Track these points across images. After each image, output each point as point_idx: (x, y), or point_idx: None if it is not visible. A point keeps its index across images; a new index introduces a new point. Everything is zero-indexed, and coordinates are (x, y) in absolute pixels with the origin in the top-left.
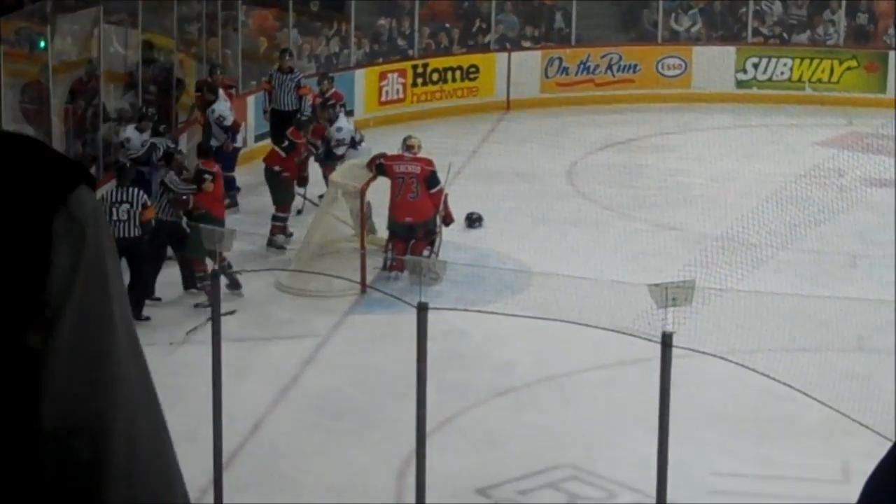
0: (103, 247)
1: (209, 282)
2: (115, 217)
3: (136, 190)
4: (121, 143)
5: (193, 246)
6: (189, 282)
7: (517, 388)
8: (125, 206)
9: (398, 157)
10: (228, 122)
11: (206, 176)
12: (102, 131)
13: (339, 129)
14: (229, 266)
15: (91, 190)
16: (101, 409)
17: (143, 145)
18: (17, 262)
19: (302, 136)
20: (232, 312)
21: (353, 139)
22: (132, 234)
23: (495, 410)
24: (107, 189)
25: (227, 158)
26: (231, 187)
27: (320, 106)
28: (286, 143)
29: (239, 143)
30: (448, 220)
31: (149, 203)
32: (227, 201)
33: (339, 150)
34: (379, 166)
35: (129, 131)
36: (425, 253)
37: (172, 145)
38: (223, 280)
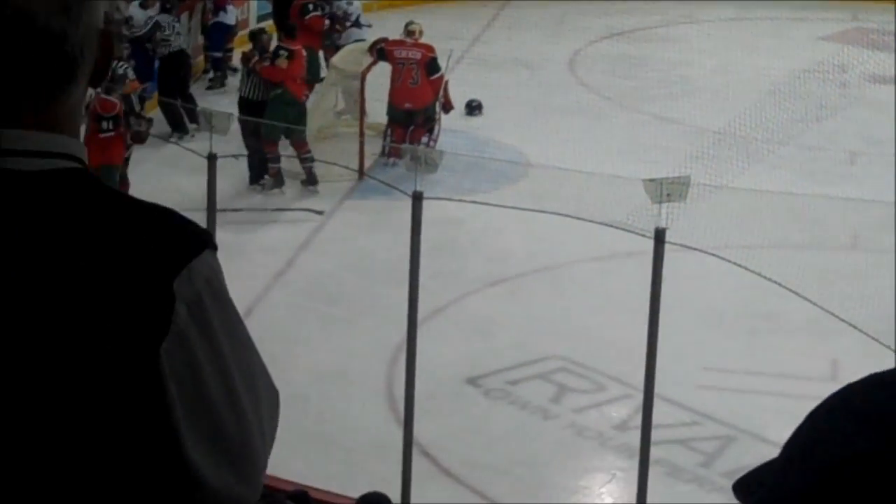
0: (225, 307)
1: (278, 164)
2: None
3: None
4: (125, 20)
5: (267, 127)
6: (257, 174)
7: (510, 278)
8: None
9: (399, 43)
10: None
11: (282, 52)
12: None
13: (350, 2)
14: (312, 160)
15: (213, 255)
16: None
17: (147, 23)
18: (139, 321)
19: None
20: (320, 212)
21: (358, 19)
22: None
23: (488, 300)
24: None
25: (211, 36)
26: (218, 67)
27: None
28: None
29: (231, 21)
30: (448, 107)
31: (131, 77)
32: (211, 81)
33: (346, 23)
34: (380, 51)
35: (133, 8)
36: (424, 140)
37: (177, 22)
38: (298, 174)
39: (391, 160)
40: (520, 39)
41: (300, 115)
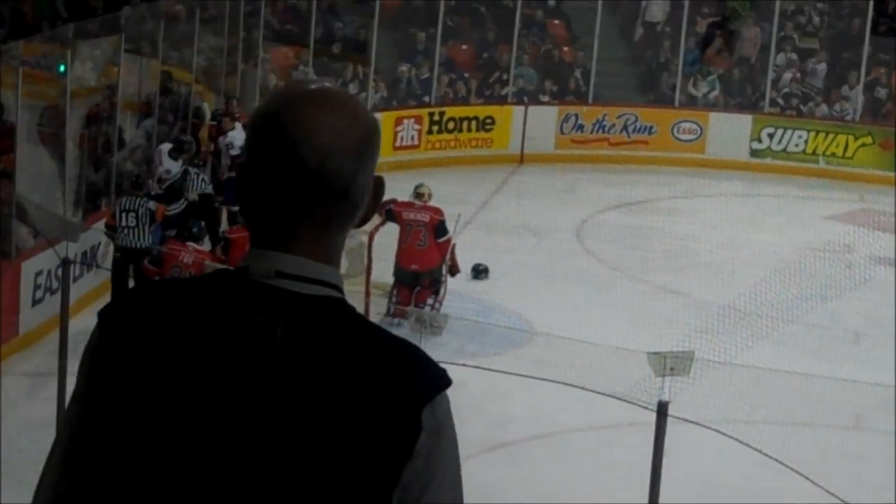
0: (453, 440)
1: None
2: (123, 223)
3: (142, 199)
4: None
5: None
6: None
7: (511, 444)
8: (132, 215)
9: (408, 205)
10: (237, 151)
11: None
12: (117, 158)
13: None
14: None
15: (446, 395)
16: None
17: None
18: (390, 443)
19: None
20: None
21: None
22: (138, 244)
23: (488, 464)
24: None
25: (228, 191)
26: (235, 221)
27: None
28: None
29: None
30: (454, 269)
31: (153, 207)
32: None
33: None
34: (388, 212)
35: (166, 160)
36: (429, 301)
37: (204, 177)
38: None
39: (396, 320)
40: (528, 206)
41: None
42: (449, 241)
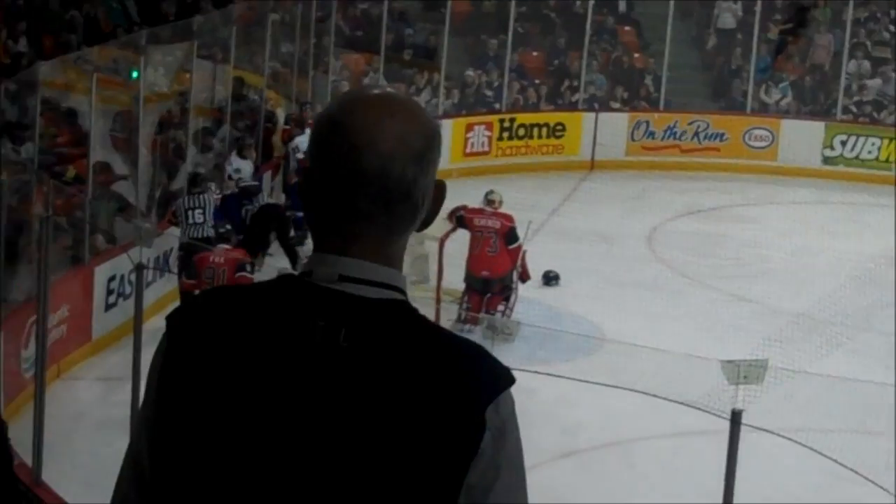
0: (517, 439)
1: None
2: (190, 220)
3: (205, 196)
4: (228, 175)
5: None
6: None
7: (582, 451)
8: (199, 211)
9: (479, 211)
10: (301, 154)
11: None
12: (188, 163)
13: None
14: None
15: (511, 394)
16: None
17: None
18: (456, 440)
19: None
20: None
21: None
22: (205, 234)
23: (559, 472)
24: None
25: (294, 195)
26: (299, 225)
27: None
28: None
29: None
30: (525, 276)
31: (215, 199)
32: (293, 238)
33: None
34: (459, 218)
35: (234, 158)
36: (500, 308)
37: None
38: None
39: (467, 327)
40: (598, 213)
41: None
42: (519, 247)
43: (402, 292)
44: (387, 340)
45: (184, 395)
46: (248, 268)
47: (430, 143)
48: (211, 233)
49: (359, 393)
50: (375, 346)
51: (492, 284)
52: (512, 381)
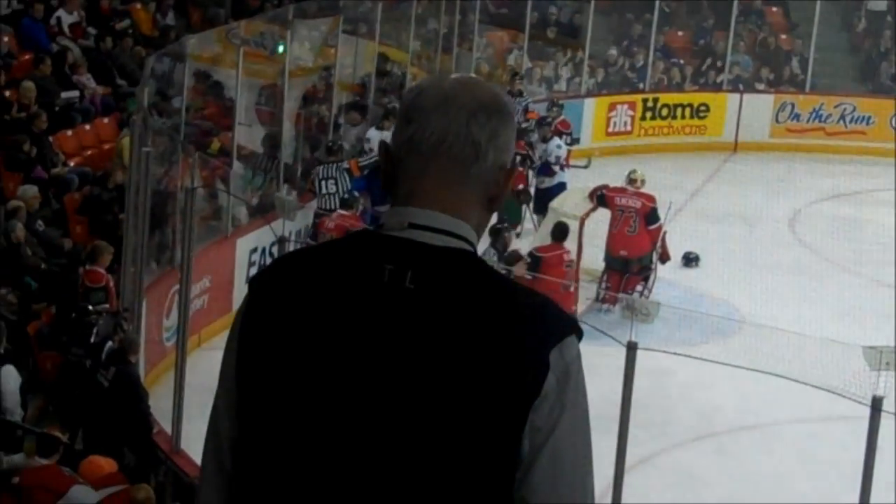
0: (581, 384)
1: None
2: (324, 191)
3: (339, 166)
4: (361, 146)
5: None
6: None
7: (719, 433)
8: (331, 182)
9: (620, 191)
10: None
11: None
12: (330, 137)
13: (559, 146)
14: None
15: (577, 341)
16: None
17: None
18: (519, 381)
19: (525, 147)
20: None
21: (561, 161)
22: (334, 206)
23: (694, 454)
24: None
25: None
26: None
27: (538, 123)
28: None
29: None
30: (665, 257)
31: (347, 166)
32: None
33: (557, 168)
34: (600, 197)
35: (371, 131)
36: (639, 288)
37: None
38: None
39: (605, 306)
40: (741, 194)
41: None
42: (660, 228)
43: (471, 244)
44: (451, 284)
45: (263, 343)
46: None
47: (501, 116)
48: (340, 204)
49: (425, 333)
50: (440, 288)
51: (630, 264)
52: (578, 330)
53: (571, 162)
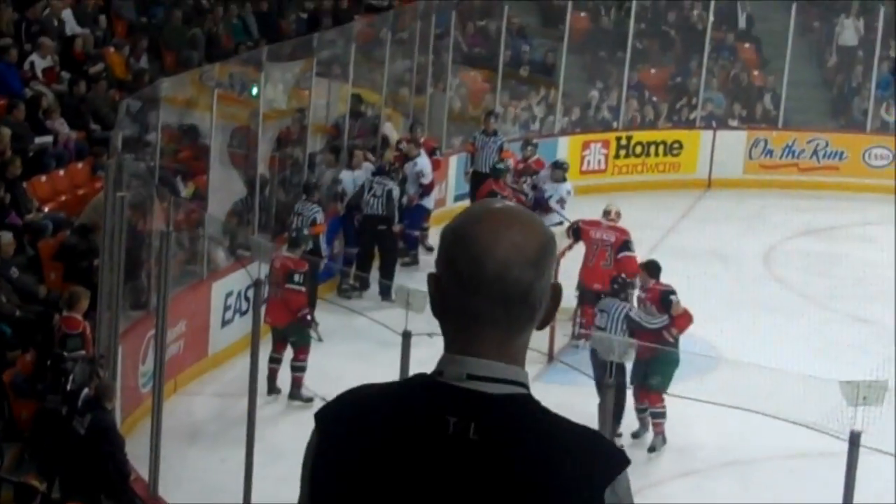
0: None
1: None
2: (294, 225)
3: (313, 206)
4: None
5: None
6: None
7: (699, 471)
8: (300, 218)
9: (595, 224)
10: (427, 179)
11: (672, 297)
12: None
13: (569, 192)
14: None
15: (626, 474)
16: None
17: (355, 183)
18: None
19: (505, 187)
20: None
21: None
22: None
23: (676, 491)
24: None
25: (412, 216)
26: (413, 246)
27: (492, 169)
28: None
29: (430, 205)
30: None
31: (318, 221)
32: (407, 259)
33: (555, 207)
34: (576, 230)
35: (344, 173)
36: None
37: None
38: None
39: (581, 341)
40: (715, 231)
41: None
42: (629, 257)
43: (526, 386)
44: (511, 433)
45: (334, 487)
46: (298, 277)
47: (545, 250)
48: (309, 243)
49: (490, 482)
50: (502, 438)
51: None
52: (627, 462)
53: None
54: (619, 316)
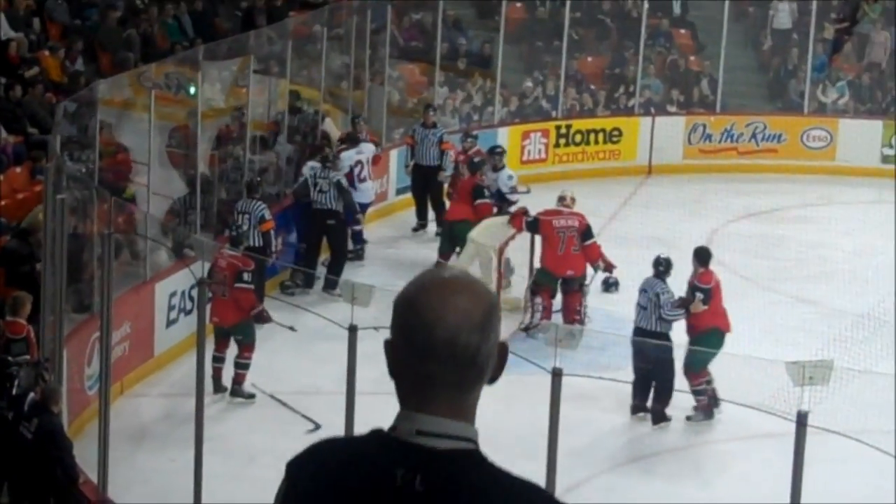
0: None
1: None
2: (238, 223)
3: (257, 203)
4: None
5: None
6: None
7: (646, 457)
8: (245, 217)
9: (556, 213)
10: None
11: (698, 294)
12: (245, 178)
13: (511, 177)
14: None
15: None
16: None
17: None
18: None
19: (486, 180)
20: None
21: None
22: (255, 243)
23: (623, 477)
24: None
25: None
26: (358, 241)
27: (469, 164)
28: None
29: (367, 199)
30: (610, 267)
31: (267, 217)
32: (351, 254)
33: (514, 197)
34: (532, 223)
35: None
36: (578, 307)
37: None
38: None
39: (535, 332)
40: (657, 217)
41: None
42: (594, 243)
43: (474, 442)
44: (454, 485)
45: None
46: (247, 276)
47: (490, 315)
48: (258, 241)
49: None
50: (446, 490)
51: (572, 283)
52: None
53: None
54: (654, 297)
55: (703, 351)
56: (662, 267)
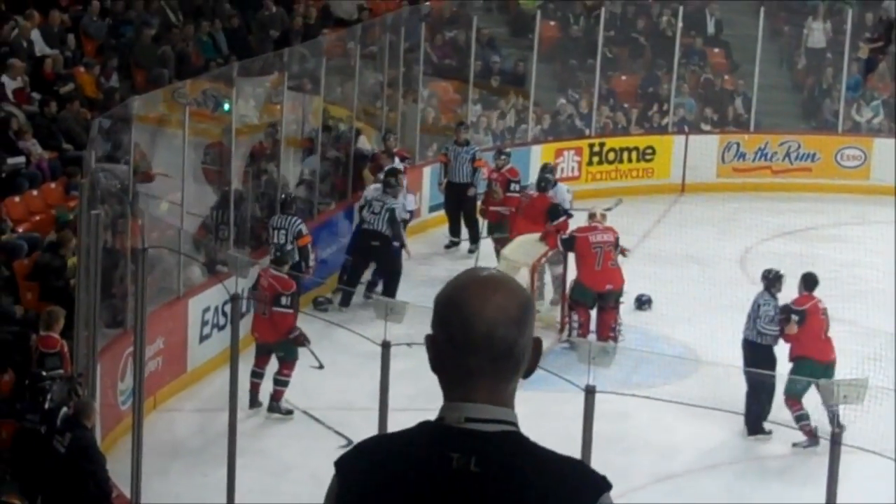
0: None
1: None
2: (274, 240)
3: (293, 218)
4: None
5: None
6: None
7: (678, 475)
8: (282, 232)
9: (591, 229)
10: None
11: (794, 315)
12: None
13: (569, 191)
14: None
15: (609, 495)
16: None
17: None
18: None
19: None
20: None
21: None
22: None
23: (655, 495)
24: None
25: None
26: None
27: (538, 184)
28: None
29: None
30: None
31: (304, 232)
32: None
33: (571, 211)
34: (568, 240)
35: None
36: (613, 324)
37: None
38: None
39: (568, 345)
40: (690, 235)
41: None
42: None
43: (515, 425)
44: (507, 464)
45: None
46: (285, 300)
47: (526, 310)
48: (294, 256)
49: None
50: (499, 468)
51: (609, 298)
52: (608, 486)
53: (604, 203)
54: (756, 308)
55: (793, 379)
56: (770, 279)
